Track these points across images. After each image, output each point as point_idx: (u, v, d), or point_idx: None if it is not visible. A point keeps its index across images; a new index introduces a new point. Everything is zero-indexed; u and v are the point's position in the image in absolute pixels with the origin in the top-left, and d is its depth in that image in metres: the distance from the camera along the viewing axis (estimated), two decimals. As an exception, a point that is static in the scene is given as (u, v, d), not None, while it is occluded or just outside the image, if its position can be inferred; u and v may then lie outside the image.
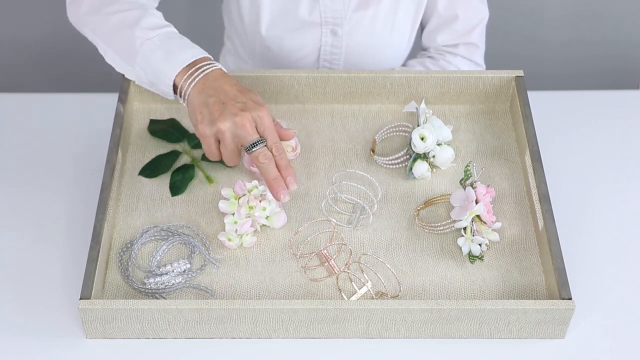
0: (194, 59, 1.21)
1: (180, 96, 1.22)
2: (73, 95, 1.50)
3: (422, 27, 1.55)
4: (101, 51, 1.28)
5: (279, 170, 1.19)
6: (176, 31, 1.26)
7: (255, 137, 1.18)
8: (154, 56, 1.22)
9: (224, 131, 1.18)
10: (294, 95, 1.38)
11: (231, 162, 1.22)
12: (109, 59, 1.28)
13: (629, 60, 2.28)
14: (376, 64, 1.53)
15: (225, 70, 1.23)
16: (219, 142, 1.20)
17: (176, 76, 1.20)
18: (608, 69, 2.29)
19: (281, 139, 1.23)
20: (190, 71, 1.20)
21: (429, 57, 1.55)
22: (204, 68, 1.21)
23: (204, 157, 1.31)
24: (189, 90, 1.20)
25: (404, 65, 1.57)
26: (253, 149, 1.18)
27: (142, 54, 1.22)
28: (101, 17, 1.27)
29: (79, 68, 2.27)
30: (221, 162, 1.26)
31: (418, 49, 1.61)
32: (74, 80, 2.29)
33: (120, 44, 1.25)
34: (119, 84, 1.35)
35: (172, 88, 1.22)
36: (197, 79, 1.20)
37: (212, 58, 1.24)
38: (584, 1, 2.19)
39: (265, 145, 1.19)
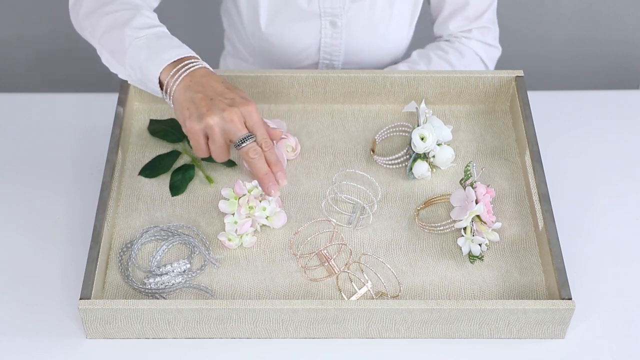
0: (179, 57, 1.22)
1: (166, 94, 1.22)
2: (73, 95, 1.50)
3: (432, 19, 1.56)
4: (98, 52, 1.29)
5: (269, 166, 1.20)
6: (167, 32, 1.27)
7: (244, 132, 1.19)
8: (140, 54, 1.23)
9: (213, 126, 1.17)
10: (294, 95, 1.38)
11: (220, 158, 1.21)
12: (104, 60, 1.29)
13: (629, 60, 2.28)
14: (377, 55, 1.53)
15: (211, 69, 1.23)
16: (208, 138, 1.20)
17: (161, 73, 1.21)
18: (608, 69, 2.29)
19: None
20: (176, 68, 1.21)
21: (446, 40, 1.55)
22: (190, 65, 1.21)
23: (204, 157, 1.31)
24: (175, 87, 1.20)
25: (421, 48, 1.57)
26: (242, 144, 1.18)
27: (130, 53, 1.23)
28: (97, 18, 1.28)
29: (79, 68, 2.27)
30: (210, 159, 1.26)
31: (419, 40, 1.61)
32: (74, 80, 2.29)
33: (112, 43, 1.26)
34: (119, 84, 1.35)
35: (157, 85, 1.22)
36: (182, 75, 1.20)
37: (199, 57, 1.25)
38: (584, 1, 2.19)
39: (255, 141, 1.19)
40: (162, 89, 1.23)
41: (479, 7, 1.51)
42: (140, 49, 1.23)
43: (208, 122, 1.17)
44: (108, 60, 1.28)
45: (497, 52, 1.56)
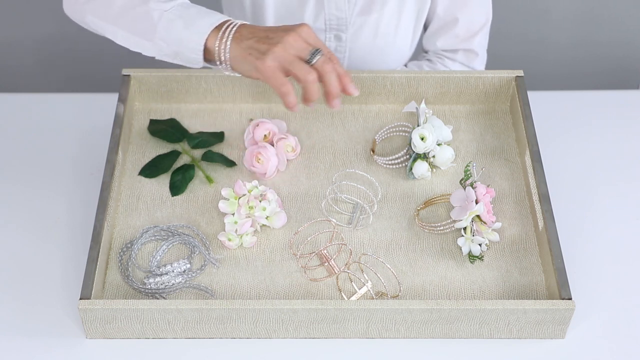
0: (219, 22, 1.21)
1: (218, 57, 1.20)
2: (73, 95, 1.50)
3: (424, 30, 1.55)
4: (109, 35, 1.27)
5: (339, 78, 1.18)
6: (188, 1, 1.26)
7: (310, 47, 1.17)
8: (175, 26, 1.21)
9: (280, 53, 1.16)
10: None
11: (308, 77, 1.16)
12: (120, 40, 1.26)
13: (629, 61, 2.28)
14: (379, 67, 1.53)
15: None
16: (282, 72, 1.17)
17: (207, 40, 1.20)
18: (608, 69, 2.29)
19: (343, 90, 1.20)
20: (222, 31, 1.19)
21: (428, 60, 1.55)
22: (231, 25, 1.20)
23: (204, 157, 1.31)
24: (228, 47, 1.19)
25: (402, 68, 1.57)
26: (315, 58, 1.16)
27: (162, 26, 1.22)
28: (104, 2, 1.26)
29: (79, 68, 2.27)
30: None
31: (420, 51, 1.61)
32: (74, 80, 2.29)
33: (134, 21, 1.24)
34: (119, 84, 1.35)
35: (201, 53, 1.21)
36: (231, 34, 1.19)
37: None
38: (584, 2, 2.19)
39: (322, 55, 1.18)
40: (207, 55, 1.21)
41: (469, 27, 1.50)
42: (173, 21, 1.21)
43: (275, 52, 1.16)
44: (127, 39, 1.25)
45: None
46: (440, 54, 1.54)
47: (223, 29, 1.20)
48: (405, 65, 1.57)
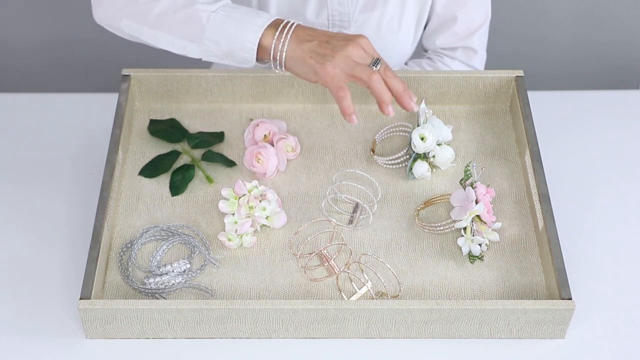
0: (271, 20, 1.21)
1: (274, 56, 1.20)
2: (73, 95, 1.50)
3: (423, 28, 1.55)
4: (147, 39, 1.26)
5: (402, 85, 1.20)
6: (230, 1, 1.25)
7: (372, 56, 1.18)
8: (226, 27, 1.21)
9: (345, 59, 1.16)
10: (294, 95, 1.38)
11: (374, 81, 1.17)
12: (163, 44, 1.25)
13: (629, 61, 2.28)
14: None
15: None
16: (343, 79, 1.17)
17: (261, 38, 1.20)
18: (608, 69, 2.29)
19: (400, 103, 1.20)
20: (279, 30, 1.20)
21: (428, 58, 1.55)
22: (289, 24, 1.20)
23: (204, 157, 1.31)
24: (287, 46, 1.19)
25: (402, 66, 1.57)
26: (377, 66, 1.17)
27: (211, 27, 1.21)
28: (144, 4, 1.25)
29: (79, 68, 2.27)
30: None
31: (420, 50, 1.61)
32: (74, 80, 2.29)
33: (179, 23, 1.23)
34: (119, 84, 1.35)
35: (255, 52, 1.21)
36: (290, 33, 1.19)
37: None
38: (584, 2, 2.19)
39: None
40: (259, 54, 1.21)
41: (468, 25, 1.50)
42: (223, 22, 1.21)
43: (337, 58, 1.16)
44: (171, 42, 1.25)
45: None
46: (439, 52, 1.54)
47: (280, 27, 1.20)
48: (406, 64, 1.57)
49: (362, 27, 1.47)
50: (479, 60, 1.54)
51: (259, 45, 1.20)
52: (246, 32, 1.20)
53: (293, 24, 1.20)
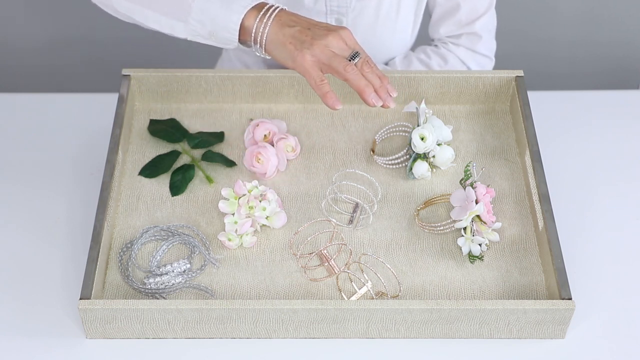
0: (256, 2, 1.20)
1: (254, 38, 1.20)
2: (73, 95, 1.50)
3: (429, 18, 1.55)
4: (138, 17, 1.26)
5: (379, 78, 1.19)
6: None
7: (350, 50, 1.17)
8: (211, 6, 1.20)
9: (323, 49, 1.16)
10: (294, 95, 1.38)
11: (350, 73, 1.16)
12: (151, 23, 1.25)
13: (629, 61, 2.28)
14: (380, 54, 1.52)
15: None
16: (320, 68, 1.17)
17: (244, 19, 1.19)
18: (608, 69, 2.29)
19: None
20: (262, 12, 1.19)
21: (434, 45, 1.55)
22: (272, 7, 1.20)
23: (204, 157, 1.31)
24: (268, 29, 1.19)
25: (408, 52, 1.56)
26: (355, 59, 1.17)
27: (197, 7, 1.21)
28: None
29: (79, 68, 2.27)
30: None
31: (423, 40, 1.61)
32: (74, 80, 2.29)
33: (167, 2, 1.23)
34: (119, 84, 1.35)
35: (237, 33, 1.20)
36: (272, 16, 1.19)
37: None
38: (584, 2, 2.19)
39: (361, 58, 1.18)
40: (242, 36, 1.21)
41: (471, 12, 1.49)
42: (208, 1, 1.21)
43: (315, 47, 1.16)
44: (158, 21, 1.25)
45: (488, 62, 1.54)
46: (444, 40, 1.54)
47: (264, 10, 1.19)
48: (412, 50, 1.56)
49: (360, 15, 1.47)
50: (485, 44, 1.52)
51: (241, 26, 1.19)
52: (230, 12, 1.20)
53: (277, 7, 1.20)
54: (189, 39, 1.25)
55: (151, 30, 1.26)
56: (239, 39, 1.21)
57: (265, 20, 1.19)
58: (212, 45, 1.23)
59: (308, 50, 1.16)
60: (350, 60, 1.16)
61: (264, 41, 1.19)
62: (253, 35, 1.19)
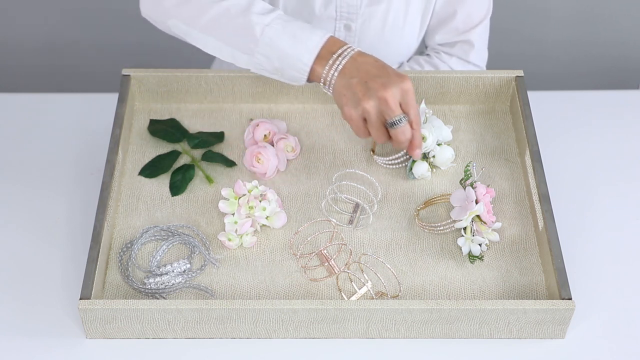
0: (323, 42, 1.20)
1: (324, 81, 1.20)
2: (73, 95, 1.50)
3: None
4: (195, 42, 1.25)
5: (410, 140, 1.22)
6: (283, 13, 1.24)
7: (397, 113, 1.18)
8: (280, 42, 1.20)
9: (369, 110, 1.17)
10: (294, 95, 1.38)
11: (380, 140, 1.20)
12: (211, 49, 1.24)
13: (629, 61, 2.28)
14: (387, 58, 1.52)
15: (362, 50, 1.22)
16: (366, 121, 1.19)
17: (314, 63, 1.19)
18: (608, 69, 2.29)
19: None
20: (333, 57, 1.19)
21: (426, 55, 1.55)
22: (345, 53, 1.20)
23: (204, 157, 1.31)
24: (336, 75, 1.19)
25: (404, 63, 1.57)
26: (395, 126, 1.18)
27: (264, 42, 1.20)
28: (197, 7, 1.23)
29: (79, 68, 2.27)
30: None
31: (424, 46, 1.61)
32: (74, 80, 2.29)
33: (232, 32, 1.22)
34: (119, 84, 1.35)
35: (307, 74, 1.20)
36: (342, 63, 1.19)
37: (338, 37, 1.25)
38: (584, 2, 2.19)
39: (408, 121, 1.19)
40: (311, 77, 1.21)
41: (467, 20, 1.49)
42: (278, 37, 1.20)
43: (364, 107, 1.17)
44: (220, 49, 1.24)
45: None
46: (437, 49, 1.54)
47: (335, 55, 1.19)
48: (407, 61, 1.57)
49: (369, 20, 1.47)
50: (476, 54, 1.53)
51: (312, 68, 1.20)
52: (300, 52, 1.19)
53: (349, 52, 1.20)
54: (252, 70, 1.24)
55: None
56: (313, 78, 1.21)
57: (334, 68, 1.19)
58: (278, 79, 1.24)
59: (355, 109, 1.18)
60: (391, 124, 1.18)
61: (331, 87, 1.20)
62: (323, 79, 1.20)
